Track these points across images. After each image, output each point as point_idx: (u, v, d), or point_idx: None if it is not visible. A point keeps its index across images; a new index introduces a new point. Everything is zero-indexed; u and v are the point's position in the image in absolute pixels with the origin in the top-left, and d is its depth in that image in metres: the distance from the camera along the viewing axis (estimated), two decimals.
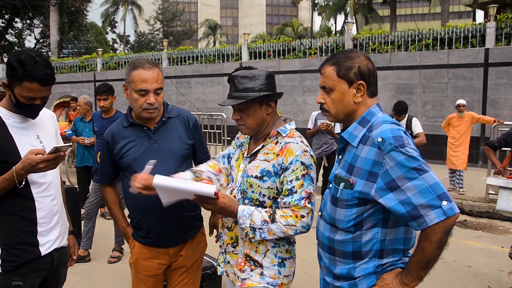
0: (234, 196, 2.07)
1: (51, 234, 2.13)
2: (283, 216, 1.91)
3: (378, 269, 1.65)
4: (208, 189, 1.85)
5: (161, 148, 2.33)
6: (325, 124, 6.56)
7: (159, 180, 1.92)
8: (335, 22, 43.11)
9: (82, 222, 5.01)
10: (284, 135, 2.02)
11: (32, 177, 2.01)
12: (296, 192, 1.91)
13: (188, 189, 1.89)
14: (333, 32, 40.63)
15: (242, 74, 2.01)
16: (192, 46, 21.28)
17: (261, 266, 2.01)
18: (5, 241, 2.01)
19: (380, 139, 1.55)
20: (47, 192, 2.11)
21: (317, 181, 7.54)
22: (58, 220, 2.18)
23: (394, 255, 1.65)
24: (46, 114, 2.24)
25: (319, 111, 7.09)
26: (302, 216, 1.91)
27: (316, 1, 40.74)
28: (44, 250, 2.09)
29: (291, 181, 1.92)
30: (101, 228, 5.84)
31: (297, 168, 1.92)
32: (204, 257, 3.21)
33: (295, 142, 1.98)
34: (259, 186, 1.99)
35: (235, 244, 2.07)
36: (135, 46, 44.28)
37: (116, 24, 47.85)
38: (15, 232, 2.02)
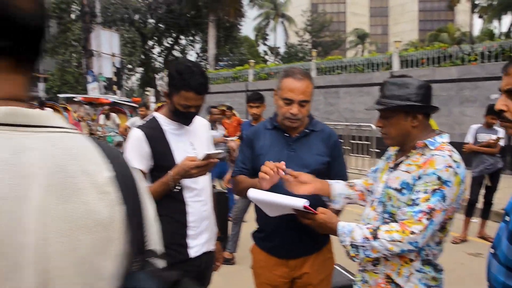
0: (374, 209, 1.92)
1: (200, 238, 2.19)
2: (387, 231, 1.71)
3: None
4: (297, 202, 1.80)
5: (298, 158, 2.26)
6: (492, 141, 5.84)
7: (253, 193, 1.96)
8: (500, 24, 38.52)
9: (230, 225, 5.23)
10: (432, 147, 1.80)
11: (185, 182, 2.09)
12: (418, 204, 1.69)
13: (277, 202, 1.88)
14: (496, 35, 36.26)
15: (393, 81, 1.89)
16: (340, 55, 21.10)
17: None
18: None
19: None
20: (199, 197, 2.18)
21: (477, 202, 6.61)
22: (208, 225, 2.24)
23: None
24: (200, 123, 2.33)
25: (480, 125, 6.31)
26: (412, 233, 1.67)
27: (476, 2, 36.80)
28: (193, 252, 2.16)
29: (418, 191, 1.71)
30: (247, 233, 5.97)
31: (430, 181, 1.69)
32: (341, 270, 3.09)
33: (442, 155, 1.74)
34: (398, 199, 1.80)
35: (376, 262, 1.88)
36: (285, 57, 45.74)
37: (267, 37, 50.19)
38: (168, 233, 2.12)
